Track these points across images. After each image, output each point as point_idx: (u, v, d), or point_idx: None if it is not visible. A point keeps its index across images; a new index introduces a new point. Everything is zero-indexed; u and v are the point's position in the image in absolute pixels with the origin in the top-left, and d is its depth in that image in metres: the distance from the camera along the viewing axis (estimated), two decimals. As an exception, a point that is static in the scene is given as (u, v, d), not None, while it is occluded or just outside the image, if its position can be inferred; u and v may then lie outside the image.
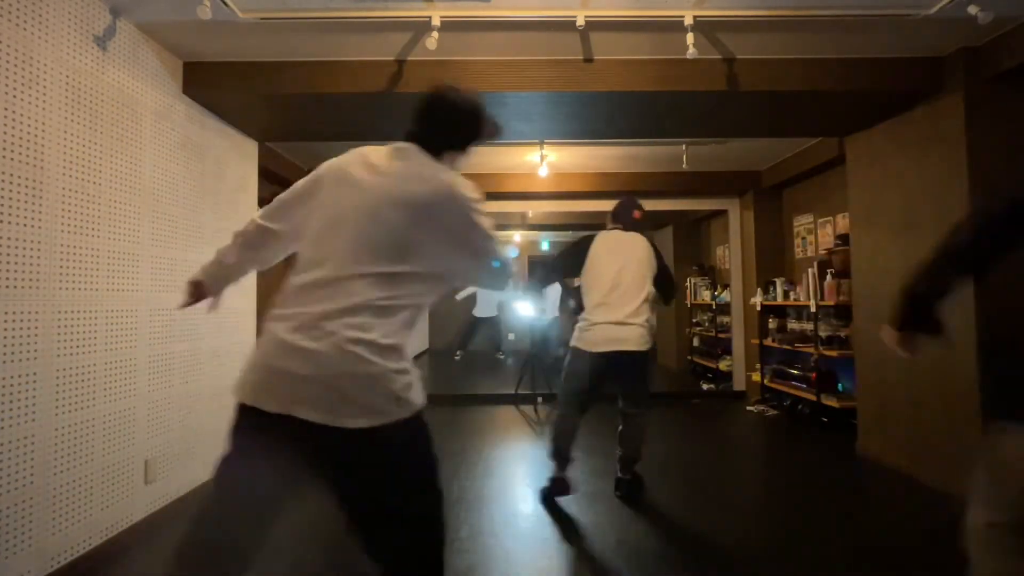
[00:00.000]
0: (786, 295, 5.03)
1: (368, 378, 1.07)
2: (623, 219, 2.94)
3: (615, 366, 2.73)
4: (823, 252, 4.83)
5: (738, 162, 5.21)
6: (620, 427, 2.86)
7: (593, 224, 7.86)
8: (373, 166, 1.20)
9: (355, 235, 1.13)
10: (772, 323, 5.33)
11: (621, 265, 2.77)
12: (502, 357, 8.72)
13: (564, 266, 2.98)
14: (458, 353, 8.55)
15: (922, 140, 3.13)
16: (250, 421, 1.12)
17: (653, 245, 2.90)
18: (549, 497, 2.80)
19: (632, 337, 2.68)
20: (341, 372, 1.05)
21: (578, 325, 2.84)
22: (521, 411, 5.21)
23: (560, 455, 2.81)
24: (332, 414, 1.04)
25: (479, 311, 8.63)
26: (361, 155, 1.24)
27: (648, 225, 3.03)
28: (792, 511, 2.76)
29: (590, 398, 2.80)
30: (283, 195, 1.29)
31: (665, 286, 2.90)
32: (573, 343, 2.82)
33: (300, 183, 1.28)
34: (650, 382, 2.92)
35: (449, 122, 1.27)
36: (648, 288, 2.79)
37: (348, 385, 1.05)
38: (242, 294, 3.50)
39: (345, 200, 1.17)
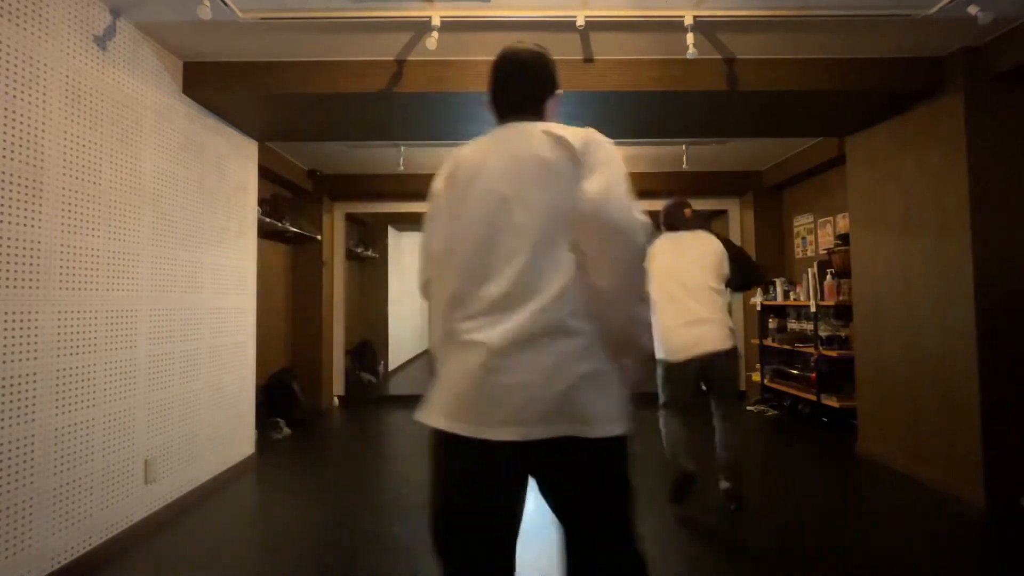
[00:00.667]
0: (786, 295, 5.03)
1: (606, 376, 1.03)
2: (676, 222, 2.86)
3: (700, 370, 2.64)
4: (823, 252, 4.83)
5: (738, 162, 5.21)
6: (715, 433, 2.76)
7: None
8: (494, 142, 1.12)
9: (518, 214, 1.03)
10: (772, 323, 5.33)
11: (683, 263, 2.69)
12: None
13: None
14: None
15: (922, 140, 3.13)
16: (480, 458, 0.99)
17: (722, 237, 2.80)
18: (680, 496, 2.70)
19: (711, 336, 2.59)
20: (582, 372, 0.99)
21: (657, 335, 2.69)
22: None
23: (676, 460, 2.70)
24: (581, 424, 0.98)
25: None
26: (471, 148, 1.16)
27: (701, 219, 2.94)
28: (792, 511, 2.76)
29: (683, 404, 2.72)
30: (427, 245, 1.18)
31: (743, 270, 2.76)
32: (657, 355, 2.70)
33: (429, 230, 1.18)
34: (737, 382, 2.79)
35: (538, 70, 1.22)
36: (721, 290, 2.68)
37: (594, 390, 1.00)
38: (242, 293, 3.50)
39: (486, 191, 1.07)
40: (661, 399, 2.77)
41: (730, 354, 2.65)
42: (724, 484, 2.75)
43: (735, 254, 2.77)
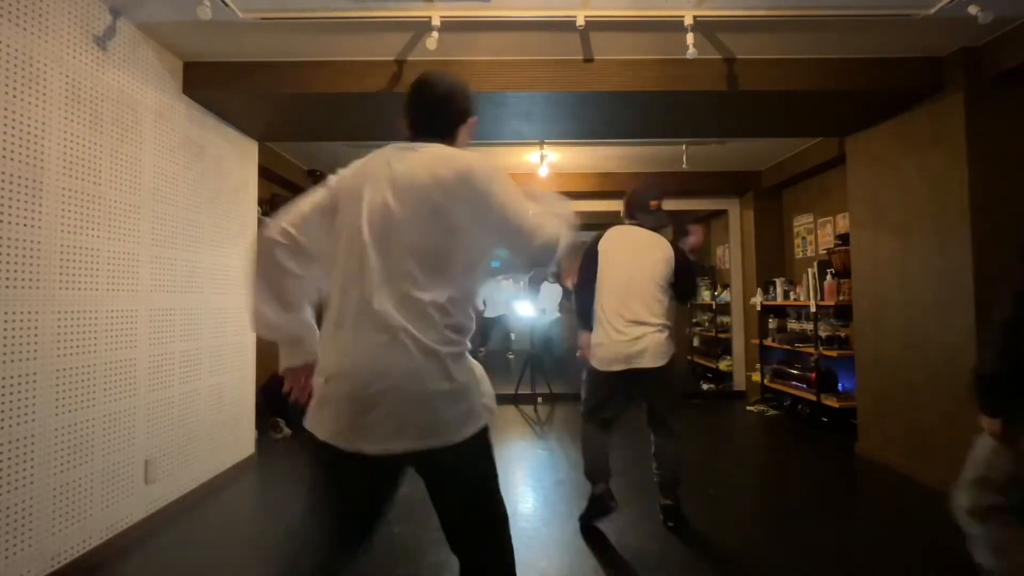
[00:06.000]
0: (786, 295, 5.03)
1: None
2: (638, 211, 2.61)
3: (631, 384, 2.47)
4: (823, 252, 4.82)
5: (738, 162, 5.21)
6: (652, 447, 2.56)
7: (593, 224, 7.84)
8: (390, 166, 1.19)
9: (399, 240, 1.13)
10: (772, 323, 5.33)
11: (632, 266, 2.48)
12: (511, 357, 8.70)
13: (590, 279, 2.57)
14: (481, 350, 8.45)
15: (922, 140, 3.13)
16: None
17: (674, 244, 2.58)
18: (588, 520, 2.52)
19: (647, 351, 2.39)
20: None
21: (593, 339, 2.52)
22: (521, 411, 5.20)
23: (593, 474, 2.54)
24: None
25: (489, 311, 8.58)
26: (371, 161, 1.24)
27: (666, 216, 2.71)
28: (792, 511, 2.76)
29: (609, 415, 2.56)
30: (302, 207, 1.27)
31: (684, 287, 2.58)
32: (590, 360, 2.53)
33: (317, 196, 1.27)
34: (674, 395, 2.62)
35: (451, 97, 1.27)
36: (666, 293, 2.50)
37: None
38: (242, 293, 3.49)
39: (370, 212, 1.16)
40: (584, 408, 2.61)
41: (664, 370, 2.44)
42: (663, 501, 2.56)
43: (683, 267, 2.56)
